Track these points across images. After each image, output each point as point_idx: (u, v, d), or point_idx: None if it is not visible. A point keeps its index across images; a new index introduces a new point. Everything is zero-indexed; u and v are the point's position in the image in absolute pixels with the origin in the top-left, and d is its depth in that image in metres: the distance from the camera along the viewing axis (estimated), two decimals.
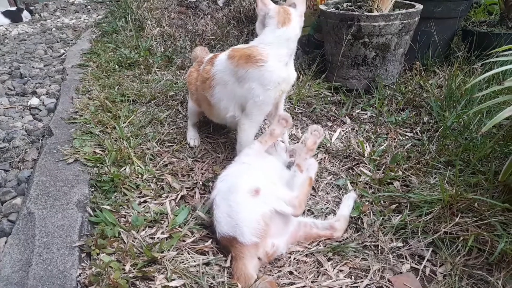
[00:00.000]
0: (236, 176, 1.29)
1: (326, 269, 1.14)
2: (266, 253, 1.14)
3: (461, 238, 1.16)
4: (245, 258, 1.10)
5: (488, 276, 1.07)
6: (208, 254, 1.22)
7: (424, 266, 1.14)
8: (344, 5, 2.30)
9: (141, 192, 1.49)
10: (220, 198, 1.23)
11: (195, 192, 1.51)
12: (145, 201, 1.46)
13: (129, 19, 3.70)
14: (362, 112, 2.04)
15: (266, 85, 1.41)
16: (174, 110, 2.12)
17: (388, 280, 1.10)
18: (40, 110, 2.38)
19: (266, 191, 1.19)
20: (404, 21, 1.98)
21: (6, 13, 5.36)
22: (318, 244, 1.24)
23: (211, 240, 1.27)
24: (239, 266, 1.09)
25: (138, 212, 1.38)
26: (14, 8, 5.60)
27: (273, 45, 1.42)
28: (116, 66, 2.82)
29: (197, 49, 2.00)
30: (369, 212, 1.34)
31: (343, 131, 1.87)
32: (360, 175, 1.54)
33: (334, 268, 1.15)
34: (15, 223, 1.34)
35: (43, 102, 2.48)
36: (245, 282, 1.05)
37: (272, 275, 1.13)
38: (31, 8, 6.00)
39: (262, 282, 1.04)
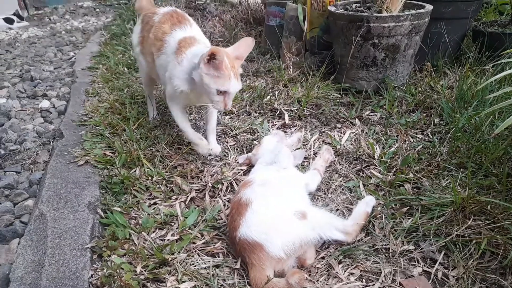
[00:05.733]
0: (283, 193, 1.27)
1: (337, 272, 1.13)
2: (283, 271, 1.12)
3: (474, 241, 1.14)
4: (266, 270, 1.07)
5: (502, 280, 1.05)
6: (218, 256, 1.23)
7: (436, 270, 1.12)
8: (353, 6, 2.29)
9: (151, 194, 1.50)
10: (259, 204, 1.19)
11: (205, 194, 1.51)
12: (155, 203, 1.47)
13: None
14: (372, 113, 2.02)
15: None
16: None
17: (400, 284, 1.08)
18: (51, 113, 2.41)
19: (315, 217, 1.18)
20: (414, 22, 1.96)
21: None
22: (328, 247, 1.23)
23: (220, 241, 1.28)
24: (262, 277, 1.05)
25: (148, 214, 1.39)
26: None
27: None
28: (125, 68, 2.84)
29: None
30: (380, 215, 1.32)
31: (353, 132, 1.85)
32: (371, 177, 1.53)
33: (345, 271, 1.14)
34: (28, 224, 1.35)
35: (54, 105, 2.51)
36: None
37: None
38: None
39: (293, 277, 1.03)
